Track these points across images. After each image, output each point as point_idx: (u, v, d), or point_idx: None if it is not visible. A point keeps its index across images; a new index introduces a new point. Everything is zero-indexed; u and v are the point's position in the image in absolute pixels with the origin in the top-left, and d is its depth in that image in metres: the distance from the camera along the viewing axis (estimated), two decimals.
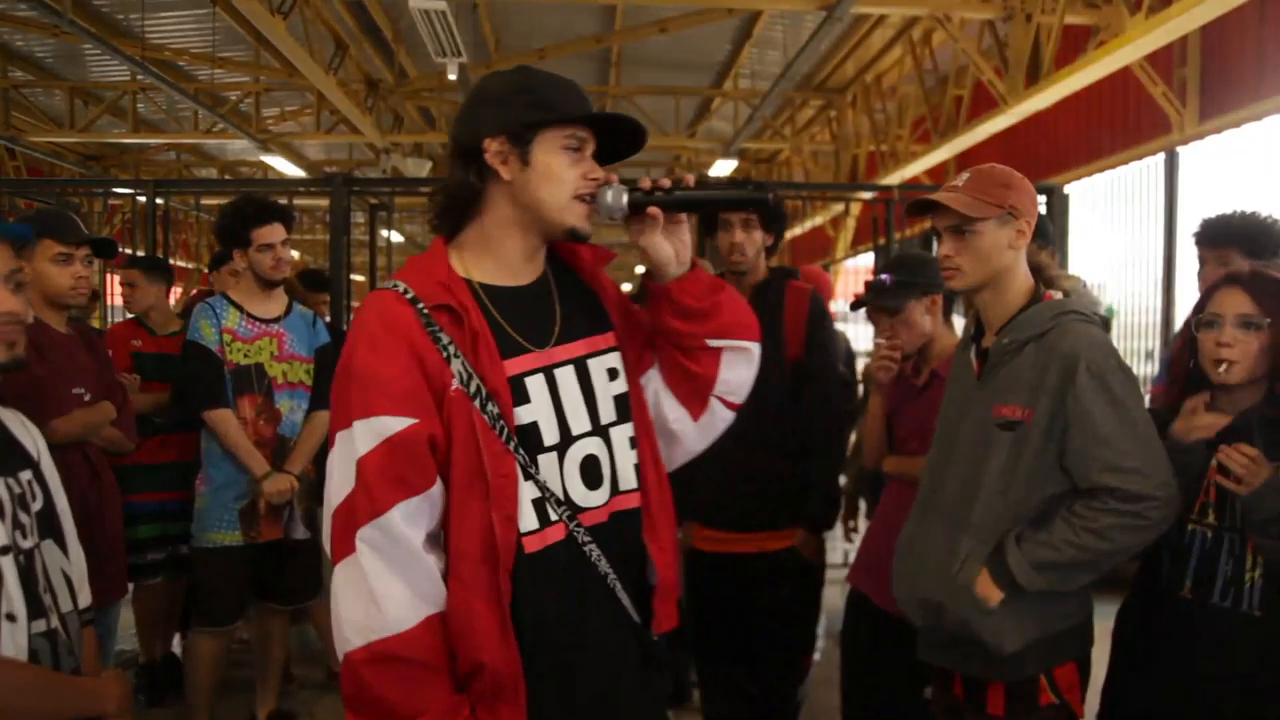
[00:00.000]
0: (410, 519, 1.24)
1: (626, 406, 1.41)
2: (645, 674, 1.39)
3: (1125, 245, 6.64)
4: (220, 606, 3.01)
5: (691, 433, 1.51)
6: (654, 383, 1.49)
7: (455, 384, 1.27)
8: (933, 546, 1.84)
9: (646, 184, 1.37)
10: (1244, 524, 1.74)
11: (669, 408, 1.49)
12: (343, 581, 1.25)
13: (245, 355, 3.00)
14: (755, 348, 1.50)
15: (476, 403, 1.27)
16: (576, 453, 1.34)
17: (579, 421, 1.35)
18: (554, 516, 1.30)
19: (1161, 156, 6.25)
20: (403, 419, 1.24)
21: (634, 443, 1.41)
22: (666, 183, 1.37)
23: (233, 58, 8.65)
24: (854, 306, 2.67)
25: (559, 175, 1.32)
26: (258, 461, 2.95)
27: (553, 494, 1.30)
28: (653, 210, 1.37)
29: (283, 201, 4.49)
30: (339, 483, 1.25)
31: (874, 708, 2.56)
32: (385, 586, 1.22)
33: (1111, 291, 6.61)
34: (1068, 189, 7.05)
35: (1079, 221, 7.05)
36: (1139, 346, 6.41)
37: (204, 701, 3.07)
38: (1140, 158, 6.48)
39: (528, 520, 1.29)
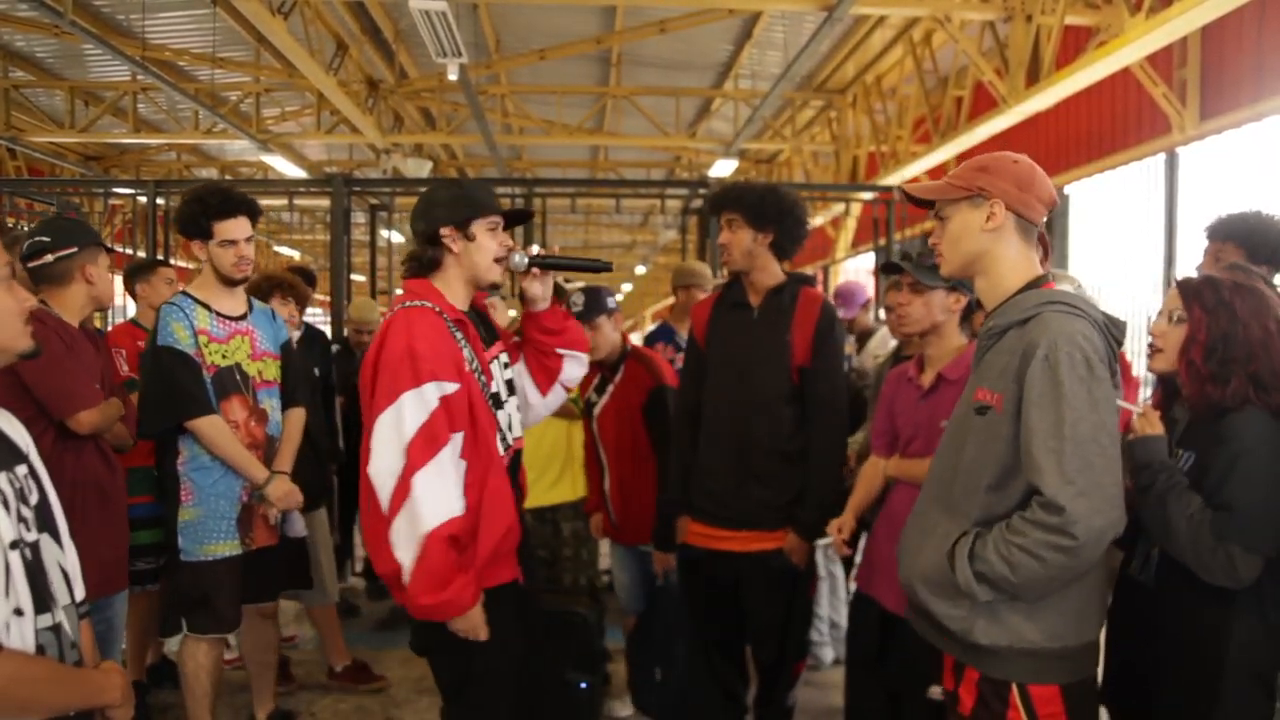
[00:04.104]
0: (456, 446, 1.99)
1: (512, 386, 2.27)
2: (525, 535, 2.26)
3: (1125, 245, 6.65)
4: (224, 613, 2.86)
5: (539, 404, 2.37)
6: (519, 371, 2.33)
7: (467, 366, 2.05)
8: (915, 528, 1.84)
9: (532, 252, 2.23)
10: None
11: (529, 388, 2.35)
12: (429, 480, 1.92)
13: (223, 356, 2.85)
14: (585, 357, 2.41)
15: (476, 376, 2.07)
16: (507, 410, 2.20)
17: (504, 392, 2.21)
18: (503, 449, 2.13)
19: (1162, 157, 6.26)
20: (455, 384, 1.99)
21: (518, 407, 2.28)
22: (542, 251, 2.26)
23: (233, 58, 8.65)
24: (885, 269, 2.67)
25: (486, 246, 2.12)
26: (257, 469, 2.83)
27: (503, 434, 2.14)
28: (534, 270, 2.23)
29: (281, 201, 4.48)
30: (414, 419, 1.94)
31: (878, 709, 2.56)
32: (457, 484, 1.98)
33: (1112, 292, 6.62)
34: (1068, 189, 7.08)
35: (1079, 222, 7.07)
36: (1140, 347, 6.42)
37: (207, 713, 2.92)
38: (1140, 158, 6.48)
39: (500, 448, 2.11)
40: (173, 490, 2.83)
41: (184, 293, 2.89)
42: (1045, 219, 1.77)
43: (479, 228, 2.10)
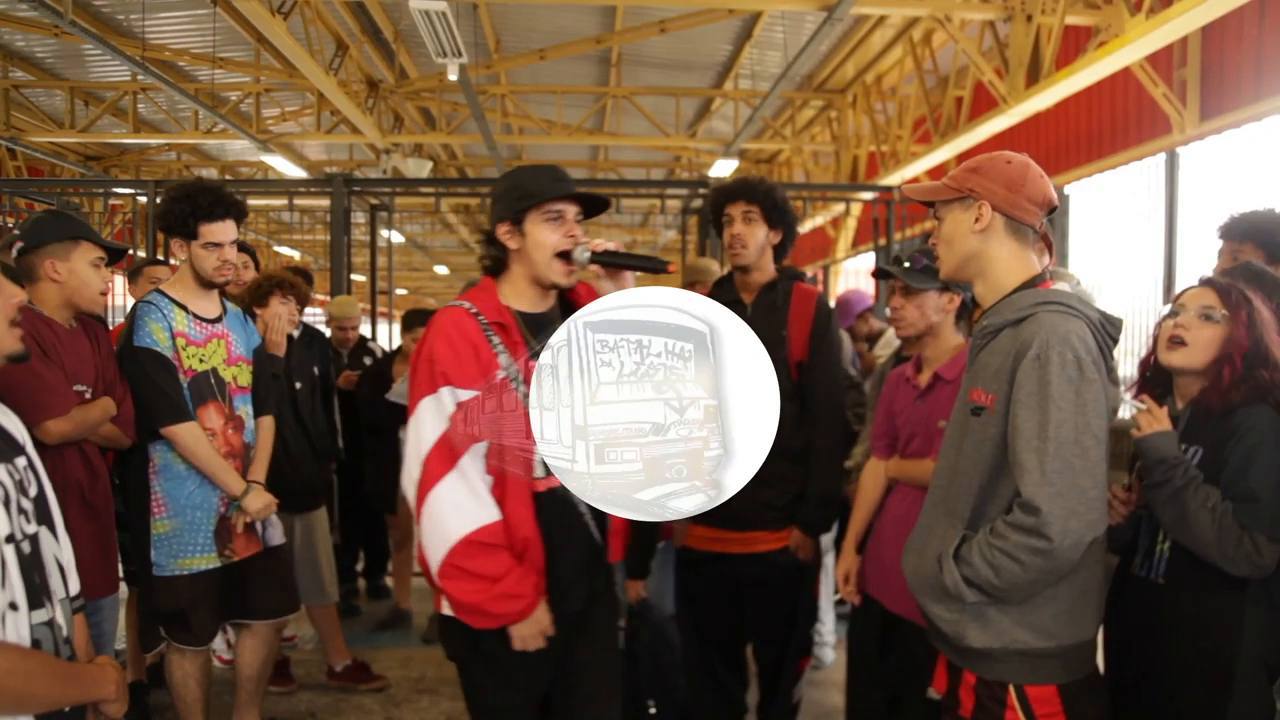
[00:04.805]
0: (477, 454, 1.85)
1: None
2: (600, 579, 2.06)
3: (1125, 245, 6.64)
4: (202, 627, 2.76)
5: None
6: None
7: (501, 372, 1.87)
8: (918, 530, 1.85)
9: (595, 246, 1.96)
10: (1143, 478, 1.90)
11: None
12: (449, 491, 1.81)
13: (201, 360, 2.73)
14: None
15: (514, 385, 1.87)
16: None
17: None
18: (546, 470, 1.87)
19: (1162, 157, 6.25)
20: (472, 391, 1.84)
21: None
22: (604, 246, 1.97)
23: (233, 58, 8.65)
24: (876, 274, 2.67)
25: (542, 241, 1.91)
26: (234, 479, 2.72)
27: None
28: (593, 268, 2.00)
29: (281, 201, 4.46)
30: (433, 427, 1.82)
31: (878, 709, 2.56)
32: (482, 490, 1.83)
33: (1112, 292, 6.61)
34: (1068, 189, 7.08)
35: (1079, 222, 7.06)
36: (1139, 347, 6.42)
37: (201, 717, 2.85)
38: (1140, 158, 6.48)
39: (539, 470, 1.89)
40: (142, 500, 2.72)
41: (159, 292, 2.77)
42: (1043, 219, 1.76)
43: (533, 219, 1.90)
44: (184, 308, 2.74)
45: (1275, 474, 1.80)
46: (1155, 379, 2.04)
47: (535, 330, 1.92)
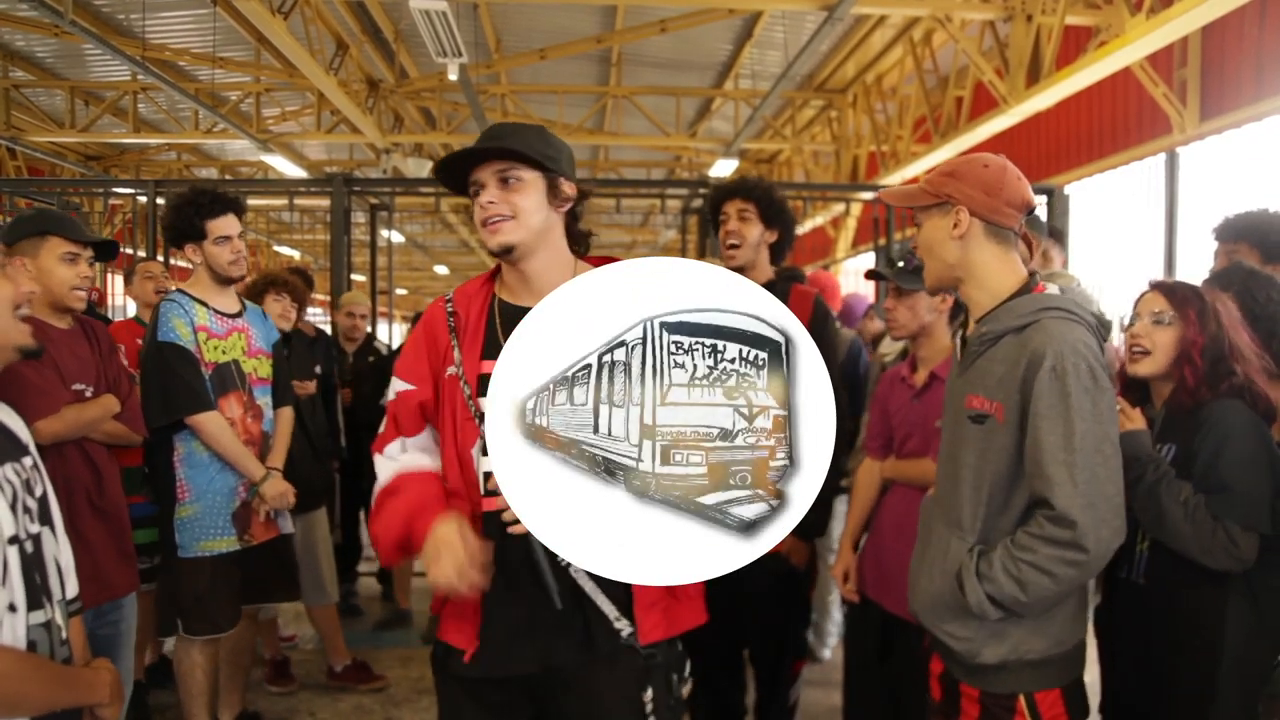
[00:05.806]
0: (399, 451, 1.73)
1: None
2: (563, 615, 1.65)
3: (1125, 246, 6.65)
4: (218, 612, 2.84)
5: None
6: None
7: (451, 369, 1.69)
8: (922, 544, 1.82)
9: None
10: None
11: None
12: (378, 464, 1.73)
13: (222, 352, 2.87)
14: None
15: (462, 384, 1.67)
16: None
17: None
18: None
19: (1162, 157, 6.26)
20: (406, 384, 1.73)
21: None
22: None
23: (233, 58, 8.66)
24: (869, 275, 2.68)
25: (475, 215, 1.67)
26: (254, 465, 2.85)
27: None
28: None
29: (282, 201, 4.46)
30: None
31: (878, 709, 2.56)
32: (398, 462, 1.72)
33: (1111, 292, 6.61)
34: (1068, 189, 7.08)
35: (1079, 222, 7.07)
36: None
37: (204, 710, 2.91)
38: (1140, 158, 6.49)
39: (482, 486, 1.66)
40: (169, 488, 2.83)
41: (180, 290, 2.90)
42: (1021, 220, 1.72)
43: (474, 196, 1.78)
44: (204, 304, 2.88)
45: (1245, 463, 1.82)
46: (1132, 387, 2.06)
47: (512, 326, 1.60)
